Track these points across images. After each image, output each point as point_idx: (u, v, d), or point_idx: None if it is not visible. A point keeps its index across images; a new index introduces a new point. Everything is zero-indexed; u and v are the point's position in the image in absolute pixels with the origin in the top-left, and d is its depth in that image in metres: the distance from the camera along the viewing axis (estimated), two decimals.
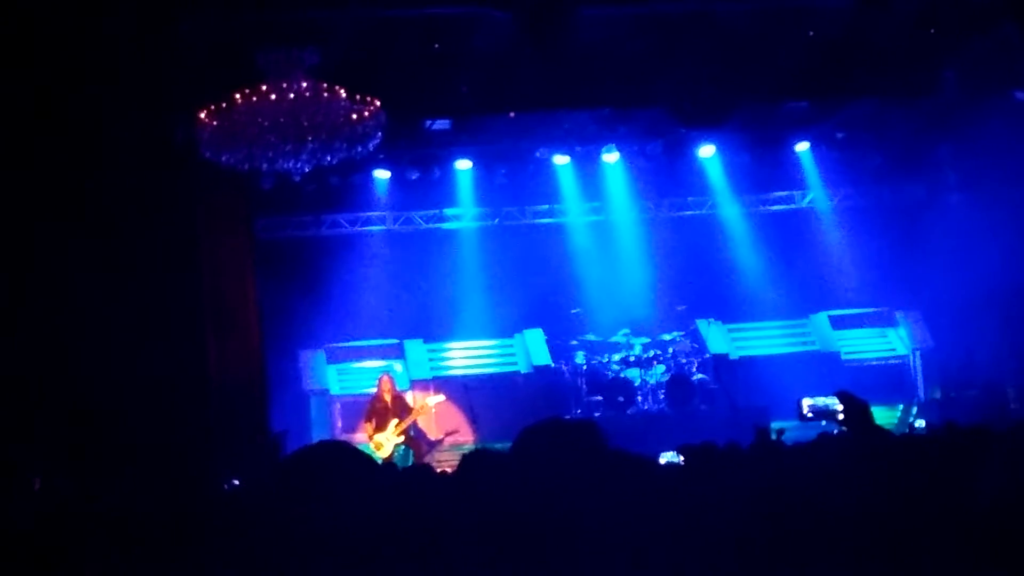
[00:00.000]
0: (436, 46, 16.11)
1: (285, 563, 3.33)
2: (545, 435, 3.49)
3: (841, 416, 5.21)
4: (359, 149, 15.07)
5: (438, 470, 6.19)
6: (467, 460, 4.00)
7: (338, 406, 19.82)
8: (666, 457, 9.44)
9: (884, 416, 18.33)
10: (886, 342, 21.65)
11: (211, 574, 3.79)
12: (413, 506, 3.72)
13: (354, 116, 14.81)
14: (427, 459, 16.89)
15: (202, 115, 14.31)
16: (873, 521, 3.96)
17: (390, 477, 4.08)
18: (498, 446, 5.31)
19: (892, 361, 21.28)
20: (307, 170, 15.07)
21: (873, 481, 4.32)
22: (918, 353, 21.14)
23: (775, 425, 13.50)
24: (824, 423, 12.77)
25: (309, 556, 3.30)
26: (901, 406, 20.23)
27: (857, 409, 5.18)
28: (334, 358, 20.61)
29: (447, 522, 3.67)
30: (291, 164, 14.75)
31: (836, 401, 5.21)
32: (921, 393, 20.82)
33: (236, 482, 12.10)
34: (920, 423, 18.55)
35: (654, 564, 3.58)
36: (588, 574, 3.23)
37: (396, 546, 3.38)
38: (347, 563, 3.28)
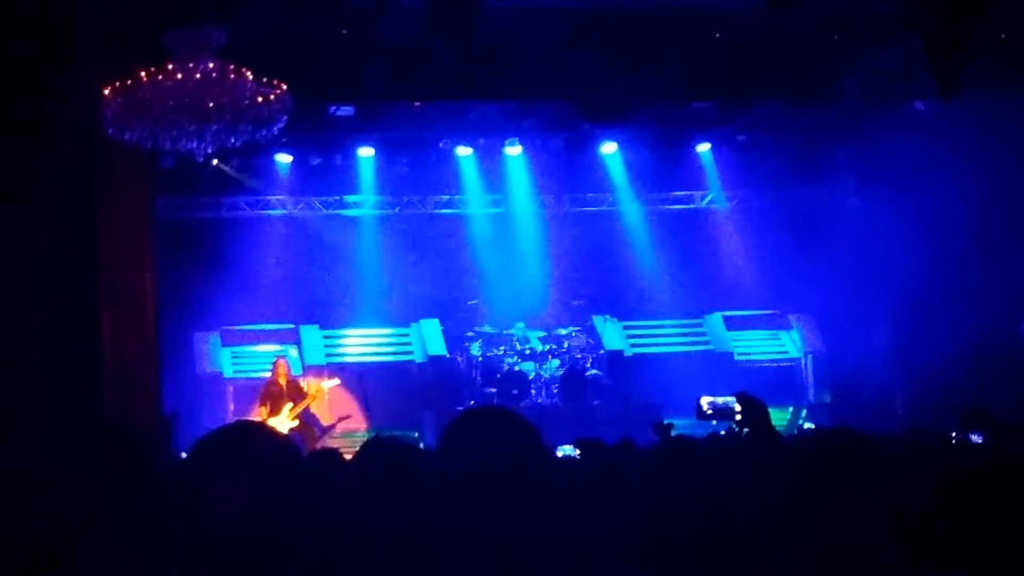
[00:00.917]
0: (344, 31, 16.03)
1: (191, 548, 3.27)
2: (482, 425, 3.46)
3: (739, 416, 5.24)
4: (263, 132, 14.94)
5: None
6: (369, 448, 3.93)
7: (231, 389, 19.69)
8: (563, 451, 9.49)
9: (774, 417, 18.52)
10: (779, 344, 21.90)
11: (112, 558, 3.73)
12: (322, 493, 3.71)
13: (259, 98, 14.67)
14: (319, 445, 16.82)
15: (106, 91, 14.11)
16: (773, 521, 4.00)
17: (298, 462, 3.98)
18: (393, 434, 5.30)
19: (784, 363, 21.53)
20: (210, 151, 14.90)
21: (770, 482, 4.36)
22: (810, 356, 21.40)
23: (666, 421, 13.60)
24: (715, 423, 12.90)
25: (212, 538, 3.24)
26: (791, 408, 20.45)
27: (756, 410, 5.23)
28: (229, 341, 20.47)
29: (355, 510, 3.65)
30: (194, 145, 14.57)
31: (734, 401, 5.25)
32: (811, 396, 21.07)
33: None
34: (809, 426, 18.80)
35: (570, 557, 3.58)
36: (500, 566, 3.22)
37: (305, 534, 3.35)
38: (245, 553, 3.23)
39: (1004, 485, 3.69)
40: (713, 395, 12.50)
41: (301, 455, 3.39)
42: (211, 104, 14.32)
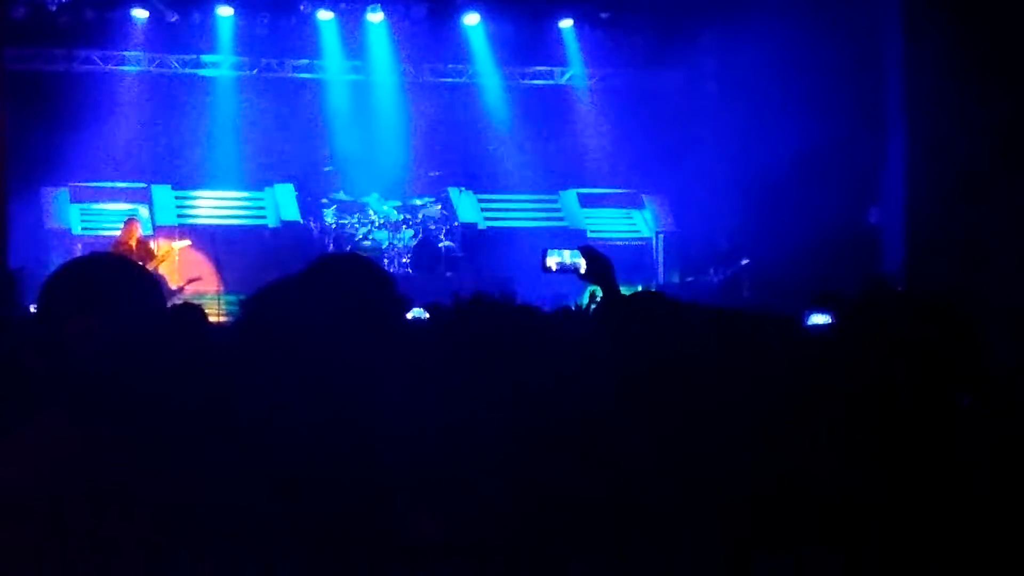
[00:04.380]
0: None
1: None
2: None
3: (583, 271, 5.22)
4: None
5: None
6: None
7: (79, 246, 19.36)
8: (412, 313, 9.49)
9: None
10: (631, 223, 22.12)
11: None
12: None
13: None
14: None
15: None
16: (628, 389, 4.00)
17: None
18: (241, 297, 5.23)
19: (635, 243, 21.75)
20: (65, 1, 14.56)
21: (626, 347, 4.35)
22: (661, 236, 21.63)
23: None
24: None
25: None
26: (640, 287, 20.67)
27: (600, 264, 5.19)
28: (78, 197, 20.15)
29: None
30: None
31: (579, 255, 5.22)
32: (660, 276, 21.32)
33: None
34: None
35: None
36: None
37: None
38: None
39: (853, 359, 3.75)
40: (563, 250, 12.54)
41: (162, 287, 3.32)
42: None
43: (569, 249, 5.53)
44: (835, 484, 3.48)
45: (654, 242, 21.72)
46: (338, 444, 3.05)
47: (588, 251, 5.22)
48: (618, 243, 21.43)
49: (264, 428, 2.99)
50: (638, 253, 21.53)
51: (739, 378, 3.71)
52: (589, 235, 21.31)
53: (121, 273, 3.18)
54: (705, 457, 3.58)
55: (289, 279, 3.27)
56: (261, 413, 3.03)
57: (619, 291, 4.94)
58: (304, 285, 3.24)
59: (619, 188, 22.11)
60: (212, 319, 9.29)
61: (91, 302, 3.06)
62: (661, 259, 21.56)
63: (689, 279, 20.94)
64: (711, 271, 20.37)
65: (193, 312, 6.10)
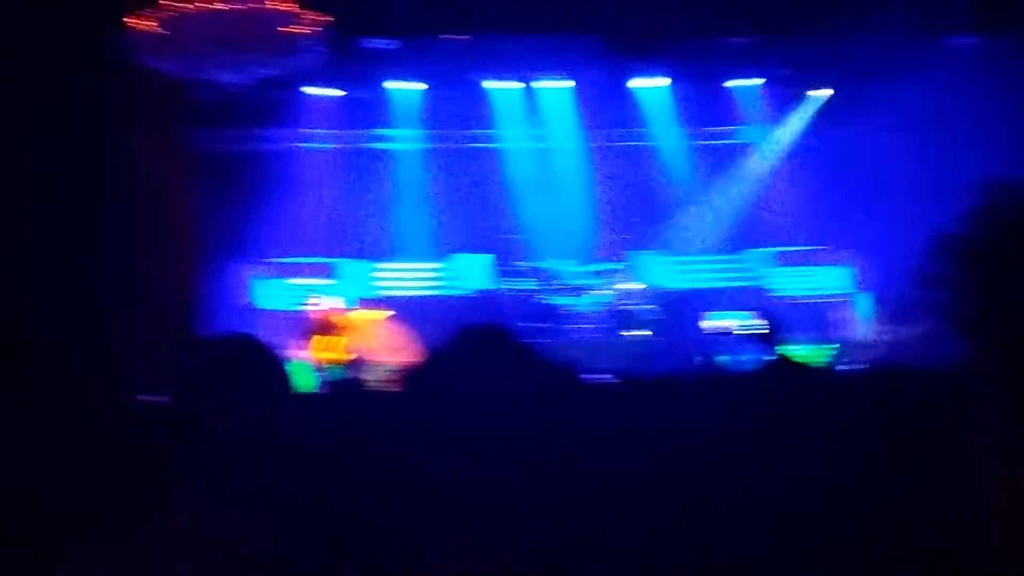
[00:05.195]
0: None
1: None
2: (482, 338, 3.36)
3: (750, 332, 5.14)
4: (300, 64, 14.85)
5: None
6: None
7: (270, 323, 19.65)
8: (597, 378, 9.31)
9: (816, 354, 18.39)
10: (823, 280, 21.77)
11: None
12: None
13: (297, 30, 14.57)
14: (368, 376, 16.80)
15: (141, 21, 14.02)
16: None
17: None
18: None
19: (828, 300, 21.40)
20: (246, 82, 14.83)
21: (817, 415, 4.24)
22: (855, 294, 21.25)
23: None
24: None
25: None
26: (834, 345, 20.29)
27: (772, 324, 5.10)
28: (267, 274, 20.50)
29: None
30: (230, 76, 14.50)
31: (748, 317, 5.14)
32: (856, 334, 20.90)
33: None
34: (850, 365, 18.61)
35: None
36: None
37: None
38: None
39: None
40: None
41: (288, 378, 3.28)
42: (248, 34, 14.23)
43: (744, 311, 5.45)
44: None
45: (848, 300, 21.34)
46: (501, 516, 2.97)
47: (762, 314, 5.12)
48: (810, 301, 21.12)
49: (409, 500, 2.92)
50: (831, 310, 21.17)
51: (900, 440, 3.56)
52: (780, 293, 21.04)
53: (252, 355, 3.14)
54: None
55: (439, 353, 3.22)
56: (400, 483, 2.95)
57: (786, 354, 4.83)
58: (451, 359, 3.18)
59: (808, 245, 21.79)
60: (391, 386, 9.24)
61: (223, 384, 3.03)
62: (856, 317, 21.15)
63: (886, 336, 20.46)
64: (905, 326, 19.88)
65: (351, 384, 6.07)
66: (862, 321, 21.06)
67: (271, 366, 3.21)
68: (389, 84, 20.65)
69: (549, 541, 3.05)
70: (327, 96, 20.50)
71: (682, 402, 4.70)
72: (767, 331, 4.43)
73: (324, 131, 21.04)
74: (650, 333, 20.01)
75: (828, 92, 21.41)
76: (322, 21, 14.67)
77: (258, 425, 3.05)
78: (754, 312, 4.46)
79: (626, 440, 3.86)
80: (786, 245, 21.85)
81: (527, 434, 3.07)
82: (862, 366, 16.01)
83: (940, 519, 3.56)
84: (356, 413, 3.89)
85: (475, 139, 21.79)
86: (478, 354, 3.17)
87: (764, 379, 5.07)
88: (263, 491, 3.00)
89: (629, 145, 22.07)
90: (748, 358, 12.13)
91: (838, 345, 20.24)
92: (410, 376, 3.29)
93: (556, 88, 21.08)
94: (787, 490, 3.75)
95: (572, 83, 20.97)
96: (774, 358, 5.02)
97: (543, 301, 20.43)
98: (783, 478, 3.79)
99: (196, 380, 3.12)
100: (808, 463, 3.83)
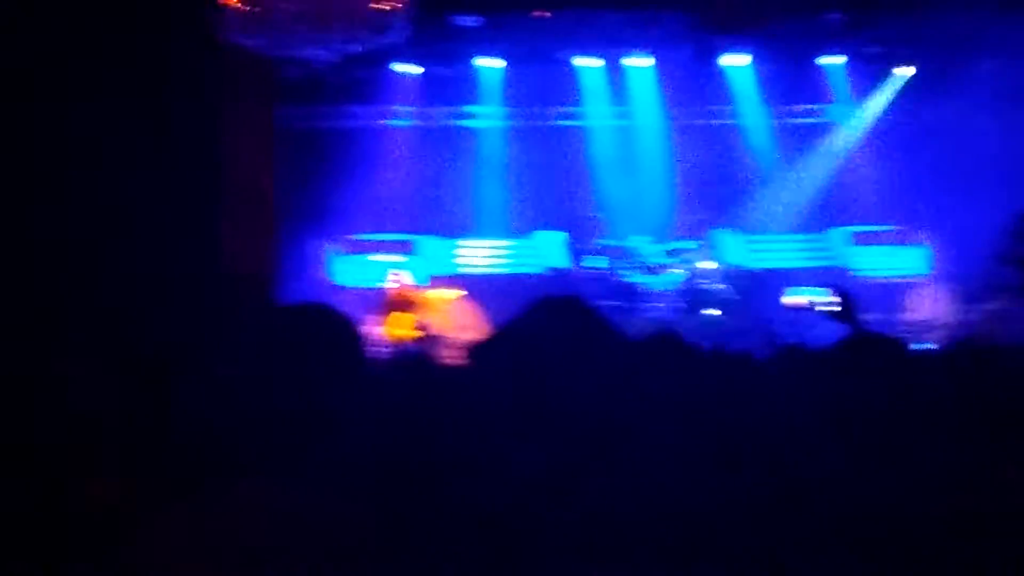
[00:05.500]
0: None
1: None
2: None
3: (828, 309, 5.14)
4: (386, 40, 14.90)
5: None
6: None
7: (350, 299, 19.80)
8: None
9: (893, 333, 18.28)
10: (905, 260, 21.61)
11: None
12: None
13: (383, 6, 14.63)
14: (442, 353, 16.90)
15: None
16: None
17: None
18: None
19: (908, 280, 21.27)
20: (332, 59, 14.91)
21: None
22: (935, 273, 21.11)
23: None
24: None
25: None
26: (912, 325, 20.16)
27: (847, 302, 5.11)
28: (348, 250, 20.63)
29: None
30: (316, 53, 14.59)
31: (824, 293, 5.14)
32: (937, 313, 20.74)
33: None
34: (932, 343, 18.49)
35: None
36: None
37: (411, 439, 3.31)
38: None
39: None
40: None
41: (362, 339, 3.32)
42: (334, 11, 14.30)
43: (818, 288, 5.46)
44: None
45: (928, 279, 21.20)
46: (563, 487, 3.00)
47: (836, 290, 5.13)
48: (889, 280, 21.00)
49: (480, 475, 2.96)
50: (911, 290, 21.04)
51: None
52: (859, 273, 20.92)
53: (322, 324, 3.18)
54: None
55: (512, 325, 3.26)
56: (479, 460, 3.00)
57: (865, 329, 4.83)
58: (523, 331, 3.22)
59: (890, 224, 21.63)
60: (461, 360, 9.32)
61: (290, 355, 3.07)
62: (936, 296, 20.99)
63: (963, 315, 20.30)
64: (982, 306, 19.73)
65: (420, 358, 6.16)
66: (940, 301, 20.90)
67: (347, 334, 3.27)
68: (474, 61, 20.68)
69: (617, 513, 3.09)
70: (412, 73, 20.57)
71: (760, 377, 4.71)
72: (846, 307, 4.44)
73: (409, 108, 21.14)
74: (721, 313, 19.97)
75: (911, 70, 21.22)
76: None
77: (330, 395, 3.11)
78: (832, 289, 4.47)
79: (701, 414, 3.90)
80: (866, 224, 21.71)
81: (601, 406, 3.12)
82: (941, 345, 15.94)
83: None
84: (428, 385, 3.95)
85: (558, 116, 21.80)
86: (554, 324, 3.22)
87: (844, 355, 5.07)
88: (335, 463, 3.06)
89: (712, 123, 21.99)
90: (826, 334, 12.12)
91: (917, 324, 20.14)
92: (483, 347, 3.33)
93: (640, 65, 21.01)
94: (867, 466, 3.76)
95: (657, 59, 20.88)
96: (853, 335, 5.01)
97: (619, 279, 20.42)
98: (862, 455, 3.80)
99: (271, 347, 3.18)
100: (890, 441, 3.84)
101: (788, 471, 3.75)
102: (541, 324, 3.25)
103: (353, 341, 3.25)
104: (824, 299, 4.48)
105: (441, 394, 3.52)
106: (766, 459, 3.81)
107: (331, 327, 3.21)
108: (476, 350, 3.34)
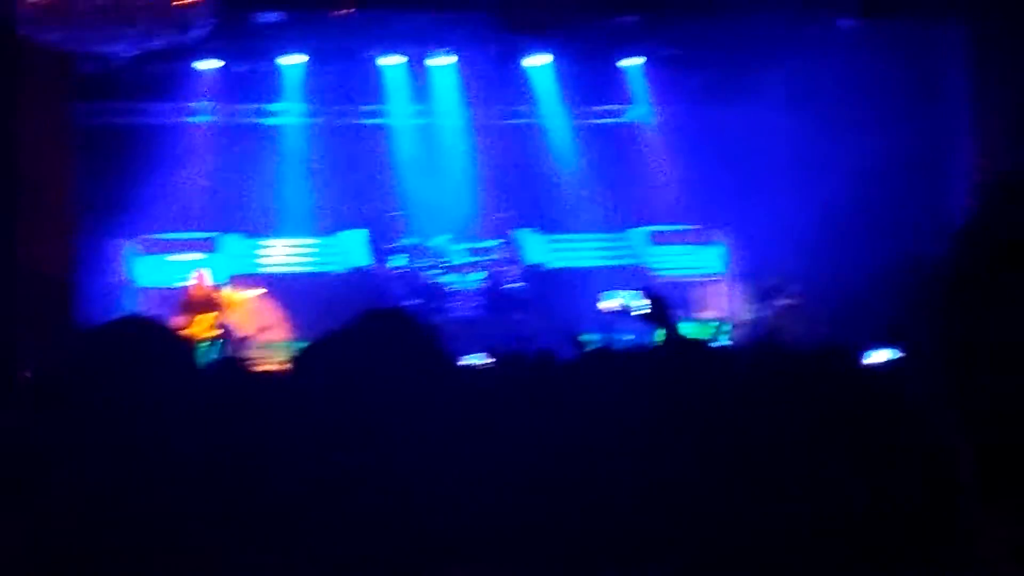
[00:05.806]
0: None
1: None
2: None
3: (639, 312, 5.20)
4: (187, 36, 14.68)
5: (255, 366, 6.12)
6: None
7: (149, 299, 19.53)
8: (469, 360, 9.42)
9: (696, 331, 18.63)
10: (702, 259, 22.00)
11: None
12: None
13: (185, 2, 14.41)
14: (240, 354, 16.74)
15: None
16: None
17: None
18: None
19: (707, 279, 21.65)
20: (132, 54, 14.64)
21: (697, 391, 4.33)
22: (732, 272, 21.52)
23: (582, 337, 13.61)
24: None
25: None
26: (714, 323, 20.53)
27: (658, 304, 5.18)
28: (147, 250, 20.30)
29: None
30: (115, 48, 14.31)
31: (637, 297, 5.20)
32: (732, 311, 21.18)
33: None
34: (729, 341, 18.89)
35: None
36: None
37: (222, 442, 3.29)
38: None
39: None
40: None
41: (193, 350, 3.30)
42: (133, 5, 14.02)
43: (630, 290, 5.56)
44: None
45: (725, 278, 21.63)
46: (375, 496, 3.02)
47: (647, 292, 5.21)
48: (689, 279, 21.37)
49: (296, 480, 2.97)
50: (710, 289, 21.45)
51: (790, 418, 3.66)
52: (659, 273, 21.23)
53: (152, 337, 3.15)
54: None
55: (334, 334, 3.27)
56: (298, 464, 3.00)
57: (677, 332, 4.91)
58: (347, 341, 3.23)
59: (689, 224, 22.00)
60: (280, 366, 9.26)
61: (121, 368, 3.04)
62: (733, 295, 21.44)
63: (762, 314, 20.75)
64: (769, 305, 20.23)
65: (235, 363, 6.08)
66: (733, 300, 21.36)
67: (175, 346, 3.24)
68: (276, 58, 20.46)
69: (436, 529, 3.11)
70: (213, 69, 20.26)
71: (573, 380, 4.74)
72: (658, 310, 4.53)
73: (209, 104, 20.81)
74: (522, 313, 20.13)
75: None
76: None
77: (165, 407, 3.08)
78: (640, 291, 4.57)
79: (514, 420, 3.93)
80: (664, 224, 22.04)
81: (425, 418, 3.14)
82: (739, 343, 16.28)
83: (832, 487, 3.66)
84: (252, 393, 3.92)
85: (361, 115, 21.70)
86: (381, 339, 3.23)
87: (657, 356, 5.14)
88: (164, 470, 3.04)
89: (515, 123, 22.12)
90: (634, 337, 12.27)
91: (716, 323, 20.52)
92: (305, 356, 3.33)
93: (443, 64, 21.01)
94: (687, 466, 3.81)
95: (458, 60, 20.89)
96: (665, 336, 5.10)
97: (423, 279, 20.46)
98: (680, 453, 3.85)
99: (88, 365, 3.14)
100: (706, 438, 3.91)
101: (598, 470, 3.79)
102: (366, 335, 3.26)
103: (183, 350, 3.22)
104: (637, 302, 4.58)
105: (262, 404, 3.51)
106: (575, 460, 3.85)
107: (157, 344, 3.18)
108: (300, 358, 3.34)
